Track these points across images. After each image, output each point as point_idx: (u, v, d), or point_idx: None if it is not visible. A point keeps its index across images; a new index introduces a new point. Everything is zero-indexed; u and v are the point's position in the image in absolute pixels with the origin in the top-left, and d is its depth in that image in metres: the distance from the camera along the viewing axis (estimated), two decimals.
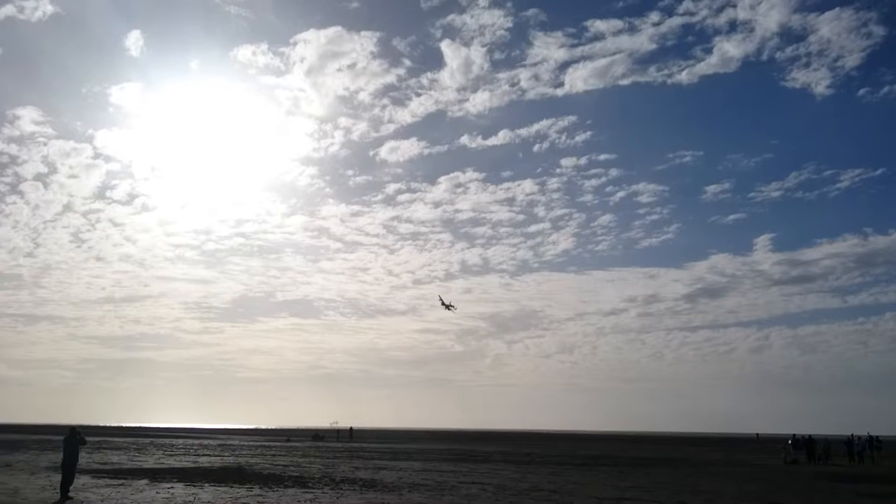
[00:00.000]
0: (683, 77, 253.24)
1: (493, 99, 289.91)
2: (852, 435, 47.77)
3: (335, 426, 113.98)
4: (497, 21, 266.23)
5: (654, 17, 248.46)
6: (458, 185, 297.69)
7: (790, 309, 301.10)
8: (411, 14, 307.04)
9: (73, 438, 20.36)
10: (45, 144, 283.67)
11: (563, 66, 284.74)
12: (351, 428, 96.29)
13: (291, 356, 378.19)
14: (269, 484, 23.58)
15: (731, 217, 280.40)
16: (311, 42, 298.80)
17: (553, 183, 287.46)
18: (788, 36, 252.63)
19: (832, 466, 42.20)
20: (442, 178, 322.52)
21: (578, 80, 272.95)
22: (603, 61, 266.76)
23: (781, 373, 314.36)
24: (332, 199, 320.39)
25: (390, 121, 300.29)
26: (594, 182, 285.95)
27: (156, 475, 26.31)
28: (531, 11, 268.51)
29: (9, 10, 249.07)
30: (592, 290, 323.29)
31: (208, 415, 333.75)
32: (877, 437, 47.96)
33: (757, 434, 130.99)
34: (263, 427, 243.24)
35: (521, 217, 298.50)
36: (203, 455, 42.79)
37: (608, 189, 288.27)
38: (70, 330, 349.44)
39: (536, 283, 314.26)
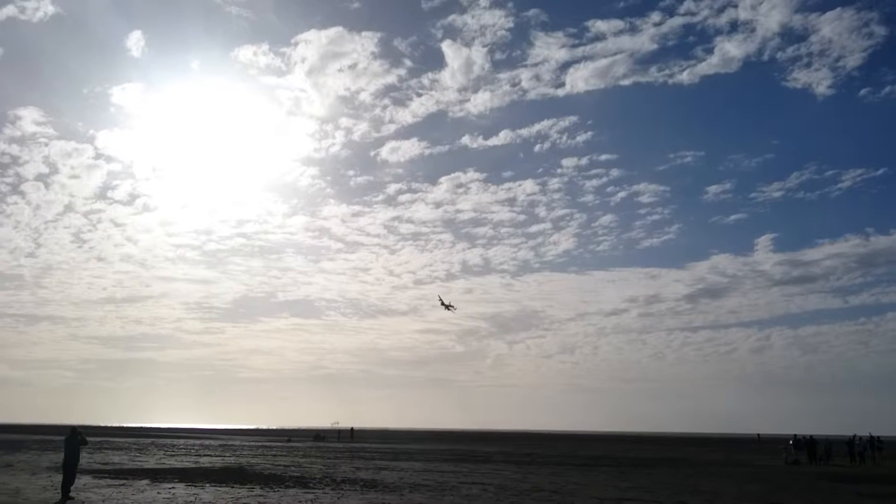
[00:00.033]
0: (684, 77, 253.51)
1: (494, 99, 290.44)
2: (854, 435, 47.76)
3: (336, 426, 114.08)
4: (498, 21, 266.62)
5: (655, 17, 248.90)
6: (459, 186, 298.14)
7: (791, 309, 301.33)
8: (412, 14, 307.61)
9: (75, 439, 20.38)
10: (46, 145, 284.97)
11: (564, 66, 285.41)
12: (352, 428, 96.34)
13: (292, 356, 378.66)
14: (271, 484, 23.59)
15: (733, 217, 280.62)
16: (312, 42, 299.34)
17: (554, 183, 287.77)
18: (790, 36, 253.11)
19: (833, 467, 42.16)
20: (443, 179, 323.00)
21: (579, 80, 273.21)
22: (604, 61, 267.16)
23: (782, 373, 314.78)
24: (333, 199, 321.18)
25: (391, 121, 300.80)
26: (595, 182, 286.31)
27: (157, 475, 26.33)
28: (532, 12, 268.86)
29: (10, 10, 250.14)
30: (593, 291, 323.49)
31: (209, 415, 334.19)
32: (878, 437, 47.92)
33: (758, 434, 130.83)
34: (264, 427, 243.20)
35: (522, 217, 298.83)
36: (204, 455, 42.81)
37: (609, 189, 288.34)
38: (71, 330, 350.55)
39: (537, 283, 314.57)
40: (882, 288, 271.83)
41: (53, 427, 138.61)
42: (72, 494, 19.11)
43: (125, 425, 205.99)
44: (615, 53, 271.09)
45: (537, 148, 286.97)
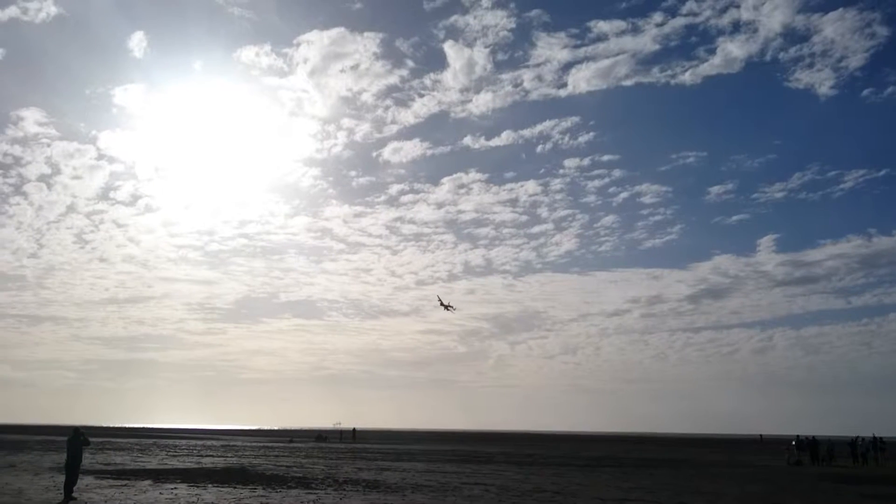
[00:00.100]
0: (687, 78, 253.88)
1: (496, 100, 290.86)
2: (856, 436, 47.62)
3: (338, 427, 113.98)
4: (500, 22, 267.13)
5: (658, 17, 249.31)
6: (461, 186, 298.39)
7: (794, 310, 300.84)
8: (414, 15, 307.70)
9: (77, 439, 20.41)
10: (48, 146, 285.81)
11: (567, 66, 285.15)
12: (354, 429, 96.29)
13: (294, 357, 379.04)
14: (273, 485, 23.61)
15: (735, 218, 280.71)
16: (315, 43, 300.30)
17: (556, 184, 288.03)
18: (792, 36, 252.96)
19: (836, 468, 42.08)
20: (445, 179, 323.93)
21: (581, 80, 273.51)
22: (606, 62, 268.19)
23: (785, 374, 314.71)
24: (336, 199, 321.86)
25: (393, 122, 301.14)
26: (597, 183, 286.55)
27: (159, 476, 26.37)
28: (534, 12, 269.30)
29: (12, 11, 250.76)
30: (595, 291, 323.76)
31: (211, 416, 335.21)
32: (881, 438, 47.80)
33: (761, 435, 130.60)
34: (266, 428, 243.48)
35: (524, 218, 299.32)
36: (206, 456, 42.85)
37: (611, 190, 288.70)
38: (73, 331, 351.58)
39: (539, 283, 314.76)
40: (884, 288, 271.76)
41: (56, 428, 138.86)
42: (74, 495, 19.13)
43: (127, 426, 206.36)
44: (617, 54, 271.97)
45: (539, 148, 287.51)
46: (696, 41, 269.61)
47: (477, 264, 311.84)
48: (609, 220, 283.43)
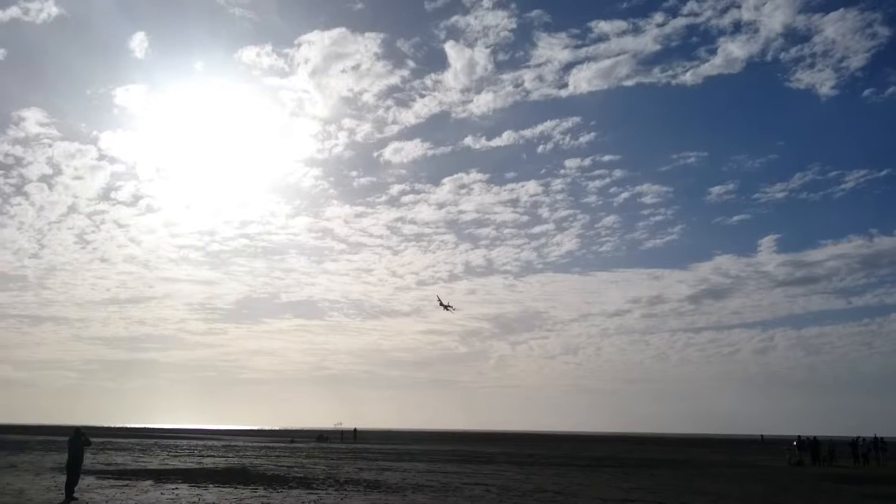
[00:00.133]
0: (688, 78, 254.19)
1: (497, 100, 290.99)
2: (858, 437, 47.58)
3: (339, 427, 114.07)
4: (501, 22, 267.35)
5: (659, 17, 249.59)
6: (462, 187, 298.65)
7: (795, 310, 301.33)
8: (415, 15, 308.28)
9: (78, 439, 20.41)
10: (49, 146, 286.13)
11: (568, 67, 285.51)
12: (355, 429, 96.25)
13: (295, 357, 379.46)
14: (274, 485, 23.61)
15: (736, 218, 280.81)
16: (316, 43, 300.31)
17: (557, 184, 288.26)
18: (793, 36, 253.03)
19: (837, 468, 42.04)
20: (446, 180, 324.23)
21: (582, 81, 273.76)
22: (607, 62, 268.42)
23: (786, 374, 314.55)
24: (336, 200, 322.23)
25: (394, 122, 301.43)
26: (598, 183, 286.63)
27: (160, 476, 26.38)
28: (535, 12, 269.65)
29: (14, 11, 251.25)
30: (596, 292, 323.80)
31: (212, 416, 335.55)
32: (882, 438, 47.77)
33: (762, 435, 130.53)
34: (267, 428, 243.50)
35: (525, 218, 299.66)
36: (207, 456, 42.86)
37: (612, 190, 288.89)
38: (74, 331, 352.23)
39: (540, 284, 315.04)
40: (885, 289, 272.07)
41: (57, 428, 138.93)
42: (75, 495, 19.13)
43: (128, 426, 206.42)
44: (618, 54, 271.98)
45: (540, 149, 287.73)
46: (696, 41, 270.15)
47: (478, 264, 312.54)
48: (610, 220, 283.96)
